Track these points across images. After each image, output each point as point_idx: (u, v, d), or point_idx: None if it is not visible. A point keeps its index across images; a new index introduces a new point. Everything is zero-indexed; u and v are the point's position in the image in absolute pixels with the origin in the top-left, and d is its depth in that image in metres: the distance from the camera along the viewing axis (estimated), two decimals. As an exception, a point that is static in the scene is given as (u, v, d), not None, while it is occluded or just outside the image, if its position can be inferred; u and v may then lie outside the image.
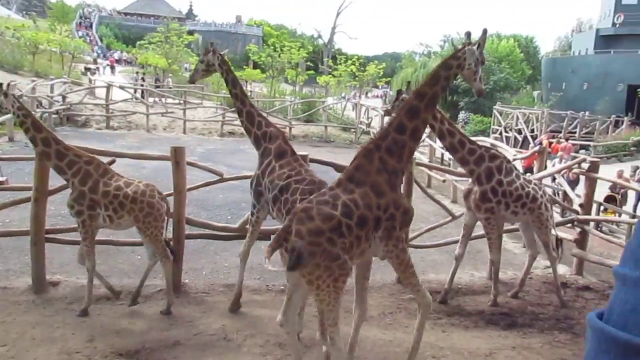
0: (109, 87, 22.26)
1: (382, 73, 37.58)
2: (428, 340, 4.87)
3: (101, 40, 73.83)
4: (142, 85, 30.32)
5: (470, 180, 5.81)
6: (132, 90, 25.30)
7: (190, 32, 58.94)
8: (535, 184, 5.89)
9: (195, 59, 48.59)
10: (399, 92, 5.41)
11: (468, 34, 4.26)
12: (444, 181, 9.53)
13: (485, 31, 4.31)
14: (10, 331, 4.61)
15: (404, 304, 5.78)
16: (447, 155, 14.78)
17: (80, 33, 67.27)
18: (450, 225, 7.71)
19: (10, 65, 31.19)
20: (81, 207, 4.85)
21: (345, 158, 16.11)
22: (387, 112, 5.82)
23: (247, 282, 6.10)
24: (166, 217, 5.27)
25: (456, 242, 7.31)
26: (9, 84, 4.97)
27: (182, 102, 25.19)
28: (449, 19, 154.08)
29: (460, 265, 6.18)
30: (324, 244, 3.32)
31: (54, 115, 19.96)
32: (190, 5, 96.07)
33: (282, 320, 3.79)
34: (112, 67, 49.93)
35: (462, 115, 35.04)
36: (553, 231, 6.12)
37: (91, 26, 77.73)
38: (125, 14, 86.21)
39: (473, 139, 5.96)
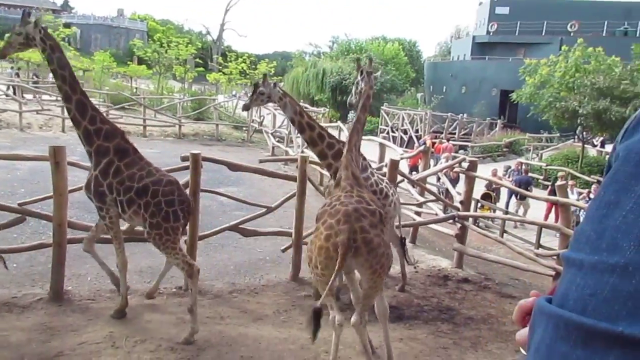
0: (-28, 82, 20.18)
1: (273, 72, 37.72)
2: (321, 335, 5.01)
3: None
4: (17, 81, 27.80)
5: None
6: (1, 87, 23.11)
7: (67, 25, 55.10)
8: (387, 182, 5.83)
9: (73, 52, 45.56)
10: (256, 85, 5.40)
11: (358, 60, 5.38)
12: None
13: (370, 60, 5.21)
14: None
15: (298, 301, 5.89)
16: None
17: None
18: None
19: None
20: None
21: (238, 156, 16.03)
22: (245, 107, 5.84)
23: (137, 286, 5.91)
24: None
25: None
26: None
27: (60, 98, 23.45)
28: (337, 21, 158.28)
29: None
30: (382, 235, 3.85)
31: None
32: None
33: (358, 319, 4.03)
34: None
35: (351, 114, 36.23)
36: (397, 232, 6.14)
37: (-51, 14, 69.65)
38: (-6, 3, 78.32)
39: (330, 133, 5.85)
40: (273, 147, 19.19)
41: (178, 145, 19.51)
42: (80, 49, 62.57)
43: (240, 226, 6.58)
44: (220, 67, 39.39)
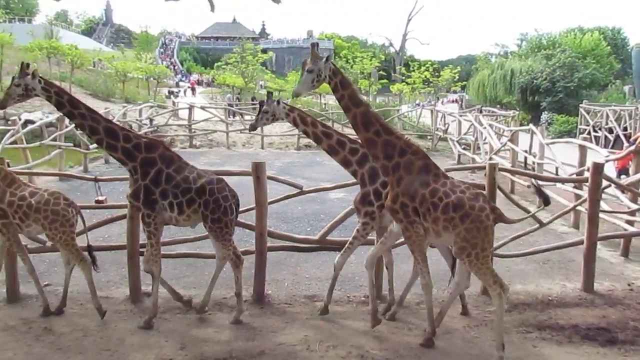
0: (190, 108, 23.40)
1: (457, 77, 36.80)
2: (517, 355, 4.69)
3: (182, 65, 77.67)
4: (237, 105, 31.82)
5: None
6: (214, 110, 26.32)
7: (264, 51, 60.77)
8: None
9: (269, 75, 49.97)
10: (260, 104, 5.37)
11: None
12: (528, 186, 9.13)
13: (313, 45, 4.77)
14: (112, 337, 4.96)
15: (489, 317, 5.58)
16: (532, 159, 14.18)
17: (163, 60, 71.10)
18: (538, 233, 7.39)
19: (104, 94, 33.61)
20: None
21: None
22: (251, 128, 5.72)
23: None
24: (75, 222, 5.29)
25: (545, 250, 6.99)
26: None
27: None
28: (525, 16, 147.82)
29: (550, 275, 5.87)
30: None
31: (142, 138, 21.24)
32: (263, 25, 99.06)
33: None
34: (193, 89, 52.40)
35: (544, 115, 33.41)
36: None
37: (172, 52, 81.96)
38: (203, 38, 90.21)
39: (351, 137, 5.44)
40: (459, 155, 18.65)
41: (364, 156, 20.07)
42: (275, 71, 68.44)
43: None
44: (403, 77, 39.68)
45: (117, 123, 5.36)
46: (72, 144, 15.49)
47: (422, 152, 4.66)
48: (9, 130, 12.39)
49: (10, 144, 11.97)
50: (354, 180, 6.32)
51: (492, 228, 4.37)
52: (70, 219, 5.22)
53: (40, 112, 26.11)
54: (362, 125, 4.63)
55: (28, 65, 4.92)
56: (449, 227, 4.32)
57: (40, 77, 4.91)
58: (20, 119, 16.78)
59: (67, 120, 15.37)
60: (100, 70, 42.46)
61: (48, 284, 6.29)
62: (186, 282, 6.52)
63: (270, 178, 5.97)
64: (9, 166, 5.87)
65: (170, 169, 5.06)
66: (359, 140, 4.99)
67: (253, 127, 5.63)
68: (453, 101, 56.10)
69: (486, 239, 4.30)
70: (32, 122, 18.12)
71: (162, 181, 5.01)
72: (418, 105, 37.29)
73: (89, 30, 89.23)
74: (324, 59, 4.59)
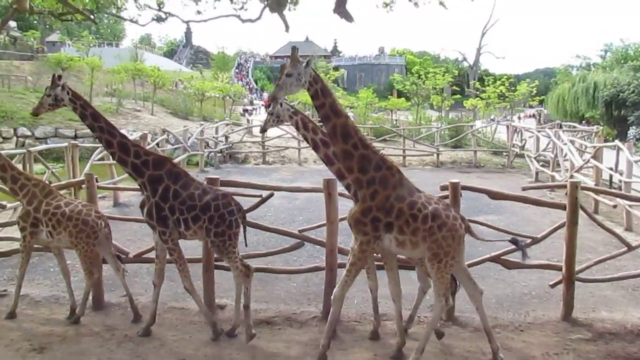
0: (264, 125, 23.98)
1: (534, 91, 35.46)
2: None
3: (256, 83, 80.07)
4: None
5: None
6: (286, 127, 26.85)
7: (336, 68, 61.43)
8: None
9: (341, 92, 50.44)
10: (267, 107, 5.15)
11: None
12: (614, 206, 8.59)
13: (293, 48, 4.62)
14: (187, 347, 5.13)
15: (571, 344, 5.26)
16: (618, 177, 13.34)
17: (238, 79, 73.67)
18: (626, 257, 6.92)
19: (183, 112, 35.29)
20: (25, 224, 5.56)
21: (497, 183, 15.44)
22: (262, 130, 5.69)
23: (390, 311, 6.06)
24: (98, 235, 5.56)
25: (635, 276, 6.51)
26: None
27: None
28: (610, 26, 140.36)
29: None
30: None
31: (218, 154, 22.02)
32: (335, 43, 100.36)
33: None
34: (267, 107, 53.79)
35: (632, 131, 31.35)
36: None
37: (247, 71, 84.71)
38: (276, 57, 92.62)
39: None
40: (537, 173, 17.87)
41: (436, 173, 19.74)
42: (347, 88, 68.97)
43: (503, 257, 6.24)
44: (478, 92, 38.74)
45: (131, 139, 5.57)
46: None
47: (396, 168, 4.70)
48: (97, 148, 13.28)
49: (98, 160, 12.81)
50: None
51: (463, 238, 4.59)
52: (97, 231, 5.56)
53: (125, 130, 27.74)
54: (341, 137, 4.56)
55: (60, 77, 5.27)
56: (427, 236, 4.46)
57: (69, 89, 5.25)
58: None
59: (149, 138, 16.26)
60: (180, 90, 44.61)
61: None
62: (257, 297, 6.63)
63: (341, 195, 5.99)
64: (97, 181, 6.27)
65: (177, 185, 5.15)
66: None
67: (263, 129, 5.64)
68: (530, 116, 54.02)
69: (458, 248, 4.54)
70: (118, 139, 19.21)
71: (170, 197, 5.12)
72: (493, 120, 36.20)
73: (171, 52, 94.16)
74: (304, 64, 4.48)
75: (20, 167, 11.06)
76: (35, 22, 59.57)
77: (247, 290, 5.29)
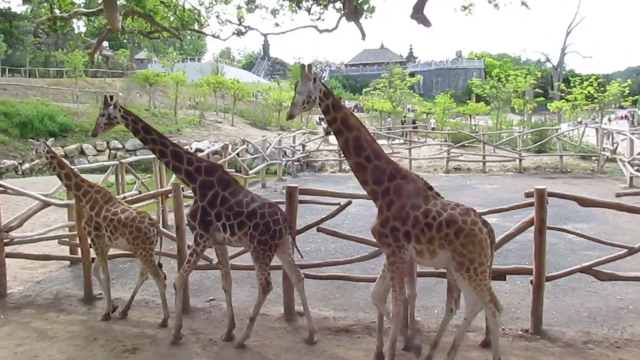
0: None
1: (626, 91, 33.22)
2: None
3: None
4: (415, 127, 32.87)
5: None
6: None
7: (412, 74, 60.82)
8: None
9: (417, 98, 49.86)
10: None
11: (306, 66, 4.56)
12: None
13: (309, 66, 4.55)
14: (268, 353, 5.23)
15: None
16: None
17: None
18: None
19: (261, 123, 36.29)
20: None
21: (586, 190, 14.66)
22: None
23: (481, 323, 5.87)
24: (152, 240, 5.89)
25: None
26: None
27: (407, 141, 25.98)
28: None
29: None
30: None
31: (295, 163, 22.41)
32: (411, 49, 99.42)
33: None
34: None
35: None
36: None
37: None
38: (351, 65, 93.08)
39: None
40: (631, 178, 16.70)
41: (519, 179, 18.96)
42: (423, 94, 68.06)
43: (595, 268, 5.87)
44: (563, 94, 36.85)
45: (183, 148, 5.74)
46: (233, 170, 16.85)
47: (411, 176, 4.62)
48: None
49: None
50: (510, 205, 6.01)
51: (487, 242, 4.31)
52: (150, 237, 5.89)
53: (207, 141, 28.97)
54: (354, 150, 4.57)
55: (112, 97, 5.60)
56: (445, 244, 4.30)
57: (121, 106, 5.54)
58: (191, 148, 18.72)
59: (230, 148, 16.83)
60: (259, 101, 45.89)
61: (213, 298, 6.85)
62: (336, 304, 6.66)
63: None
64: (183, 191, 6.58)
65: (226, 192, 5.27)
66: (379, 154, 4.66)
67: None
68: (622, 117, 50.68)
69: (482, 252, 4.27)
70: (201, 150, 20.09)
71: (218, 203, 5.23)
72: (580, 123, 34.30)
73: (249, 65, 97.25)
74: (312, 80, 4.49)
75: (112, 177, 11.85)
76: (125, 41, 63.68)
77: (258, 304, 5.37)
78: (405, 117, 42.91)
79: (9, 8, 56.30)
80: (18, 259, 7.55)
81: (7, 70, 48.59)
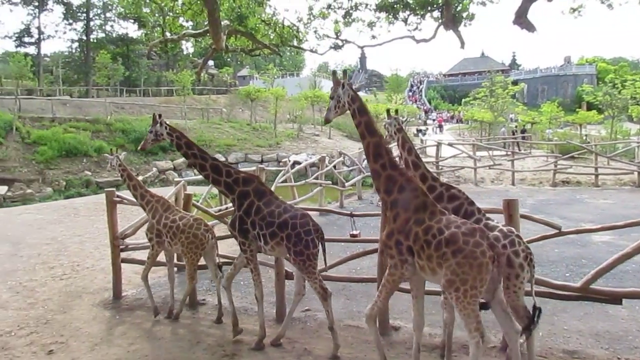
0: (438, 145, 23.65)
1: None
2: None
3: (429, 103, 79.48)
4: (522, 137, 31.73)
5: None
6: (462, 147, 26.15)
7: (515, 82, 58.27)
8: (505, 231, 4.54)
9: (521, 107, 47.67)
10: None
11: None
12: None
13: (345, 72, 4.89)
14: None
15: None
16: None
17: (412, 100, 73.94)
18: None
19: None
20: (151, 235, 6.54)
21: None
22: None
23: (591, 350, 5.41)
24: (206, 246, 6.30)
25: None
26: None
27: (509, 153, 24.84)
28: None
29: None
30: None
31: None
32: (514, 56, 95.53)
33: None
34: (441, 127, 53.09)
35: None
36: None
37: (420, 92, 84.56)
38: (450, 75, 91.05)
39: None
40: None
41: (637, 194, 17.41)
42: (527, 103, 64.94)
43: None
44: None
45: (222, 161, 5.95)
46: (330, 182, 17.04)
47: (421, 190, 4.50)
48: (280, 171, 14.34)
49: (282, 182, 13.80)
50: (626, 222, 5.54)
51: (488, 267, 3.99)
52: (204, 243, 6.28)
53: (305, 154, 29.61)
54: (372, 156, 4.63)
55: (160, 115, 5.97)
56: (442, 262, 4.10)
57: (167, 124, 5.90)
58: (289, 161, 19.25)
59: (327, 161, 17.06)
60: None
61: (308, 309, 6.92)
62: (433, 321, 6.44)
63: (523, 217, 5.58)
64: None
65: (261, 202, 5.45)
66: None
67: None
68: None
69: (478, 277, 3.98)
70: (299, 162, 20.54)
71: (252, 212, 5.43)
72: None
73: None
74: (342, 85, 4.67)
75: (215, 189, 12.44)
76: (228, 59, 67.12)
77: (328, 313, 5.39)
78: (515, 126, 41.05)
79: (127, 34, 61.65)
80: (132, 264, 8.10)
81: (124, 90, 53.03)
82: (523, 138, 32.33)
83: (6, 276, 8.97)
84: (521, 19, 10.02)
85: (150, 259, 6.77)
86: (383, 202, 4.69)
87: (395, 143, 5.52)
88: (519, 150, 28.20)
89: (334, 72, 5.00)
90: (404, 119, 5.86)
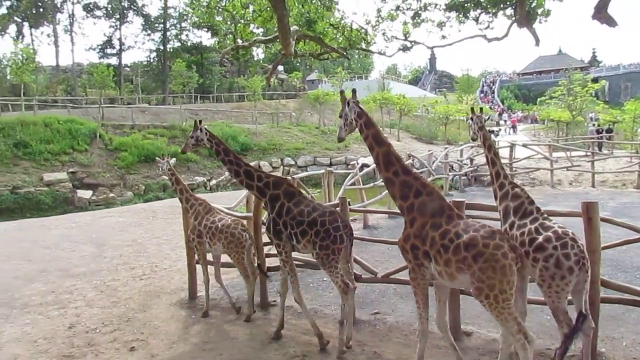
0: (511, 146, 22.85)
1: None
2: None
3: (503, 103, 76.92)
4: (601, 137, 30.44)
5: None
6: (537, 147, 25.15)
7: (595, 80, 55.33)
8: (559, 232, 4.39)
9: (602, 106, 45.21)
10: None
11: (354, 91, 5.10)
12: None
13: (354, 91, 5.10)
14: (431, 373, 5.10)
15: None
16: None
17: (484, 100, 71.87)
18: None
19: (427, 137, 35.95)
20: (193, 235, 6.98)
21: None
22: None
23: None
24: (246, 245, 6.61)
25: None
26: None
27: (589, 154, 23.59)
28: None
29: None
30: None
31: (463, 177, 21.71)
32: (593, 52, 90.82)
33: None
34: (514, 127, 51.24)
35: None
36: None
37: (493, 91, 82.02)
38: (524, 74, 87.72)
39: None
40: None
41: None
42: (609, 101, 61.45)
43: None
44: None
45: (253, 166, 6.14)
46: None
47: (437, 194, 4.53)
48: (349, 174, 14.38)
49: (350, 185, 13.84)
50: None
51: (512, 268, 3.94)
52: (243, 242, 6.60)
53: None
54: (383, 165, 4.73)
55: (200, 122, 6.28)
56: (463, 267, 4.06)
57: (207, 130, 6.17)
58: (358, 163, 19.29)
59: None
60: (424, 115, 45.56)
61: (377, 312, 6.91)
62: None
63: (604, 220, 5.31)
64: (349, 204, 6.79)
65: (291, 203, 5.64)
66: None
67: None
68: None
69: (504, 279, 3.91)
70: (367, 165, 20.50)
71: (283, 214, 5.63)
72: None
73: (415, 80, 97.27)
74: (347, 103, 4.92)
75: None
76: (297, 64, 68.16)
77: (344, 307, 5.54)
78: (599, 125, 38.88)
79: (200, 42, 64.04)
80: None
81: (198, 97, 55.06)
82: (609, 138, 30.53)
83: (92, 276, 9.53)
84: (601, 14, 9.49)
85: (201, 260, 7.26)
86: (400, 208, 4.74)
87: (479, 140, 5.57)
88: (600, 150, 26.64)
89: (342, 92, 5.36)
90: (487, 118, 5.86)
